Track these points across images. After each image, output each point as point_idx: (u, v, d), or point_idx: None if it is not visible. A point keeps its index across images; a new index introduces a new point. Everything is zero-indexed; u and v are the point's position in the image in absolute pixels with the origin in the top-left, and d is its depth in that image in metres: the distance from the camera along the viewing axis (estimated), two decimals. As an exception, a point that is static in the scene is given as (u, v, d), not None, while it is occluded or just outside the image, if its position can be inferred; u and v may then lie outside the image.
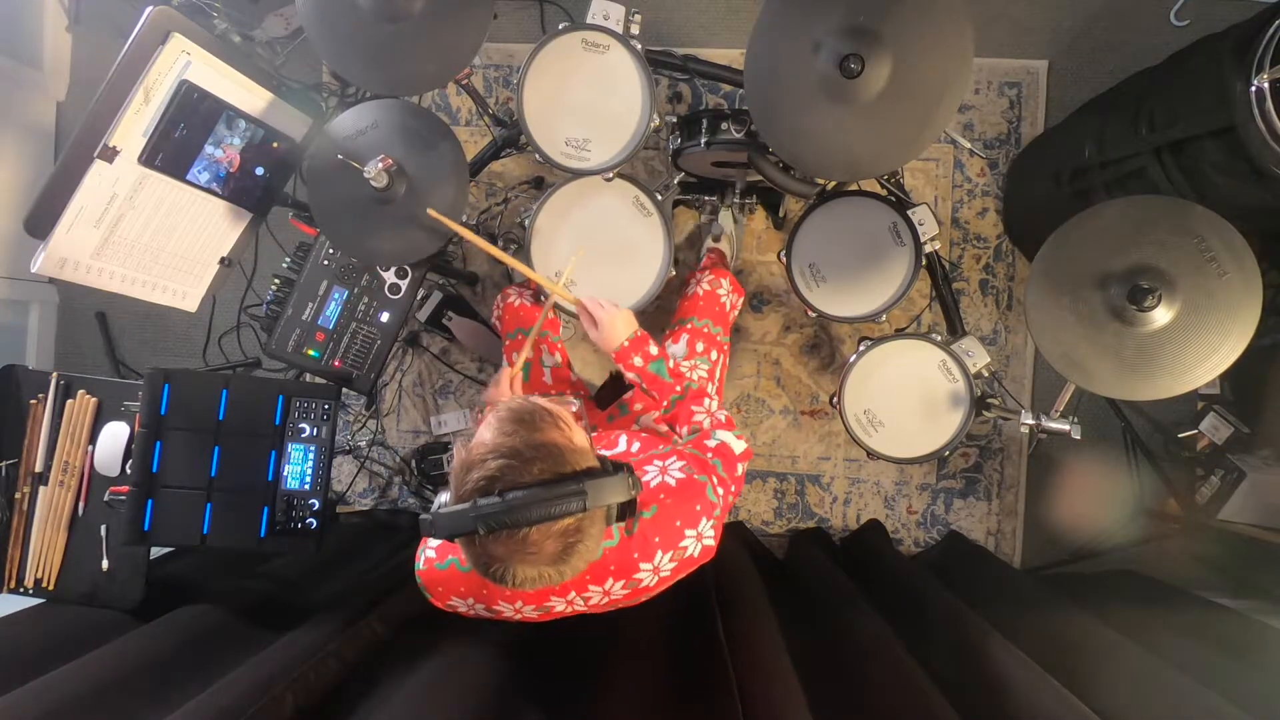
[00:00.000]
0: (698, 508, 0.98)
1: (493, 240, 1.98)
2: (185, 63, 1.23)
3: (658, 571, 0.96)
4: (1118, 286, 1.18)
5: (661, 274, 1.53)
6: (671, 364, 1.28)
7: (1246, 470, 1.75)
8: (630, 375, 1.28)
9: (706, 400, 1.27)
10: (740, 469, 1.14)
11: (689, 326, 1.49)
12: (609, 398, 1.52)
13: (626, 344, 1.25)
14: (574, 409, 0.90)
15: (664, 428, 1.35)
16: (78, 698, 1.08)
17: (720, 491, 1.02)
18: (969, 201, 2.05)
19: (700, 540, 0.98)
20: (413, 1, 1.22)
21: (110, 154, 1.21)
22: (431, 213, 1.26)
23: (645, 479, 1.00)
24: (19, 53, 2.13)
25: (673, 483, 1.00)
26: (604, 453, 1.12)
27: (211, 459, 1.40)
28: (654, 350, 1.27)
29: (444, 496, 0.82)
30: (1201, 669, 1.18)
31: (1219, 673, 1.20)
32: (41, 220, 1.20)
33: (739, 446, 1.18)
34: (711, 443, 1.14)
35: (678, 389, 1.26)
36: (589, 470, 0.81)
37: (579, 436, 0.84)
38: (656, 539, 0.95)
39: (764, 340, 2.09)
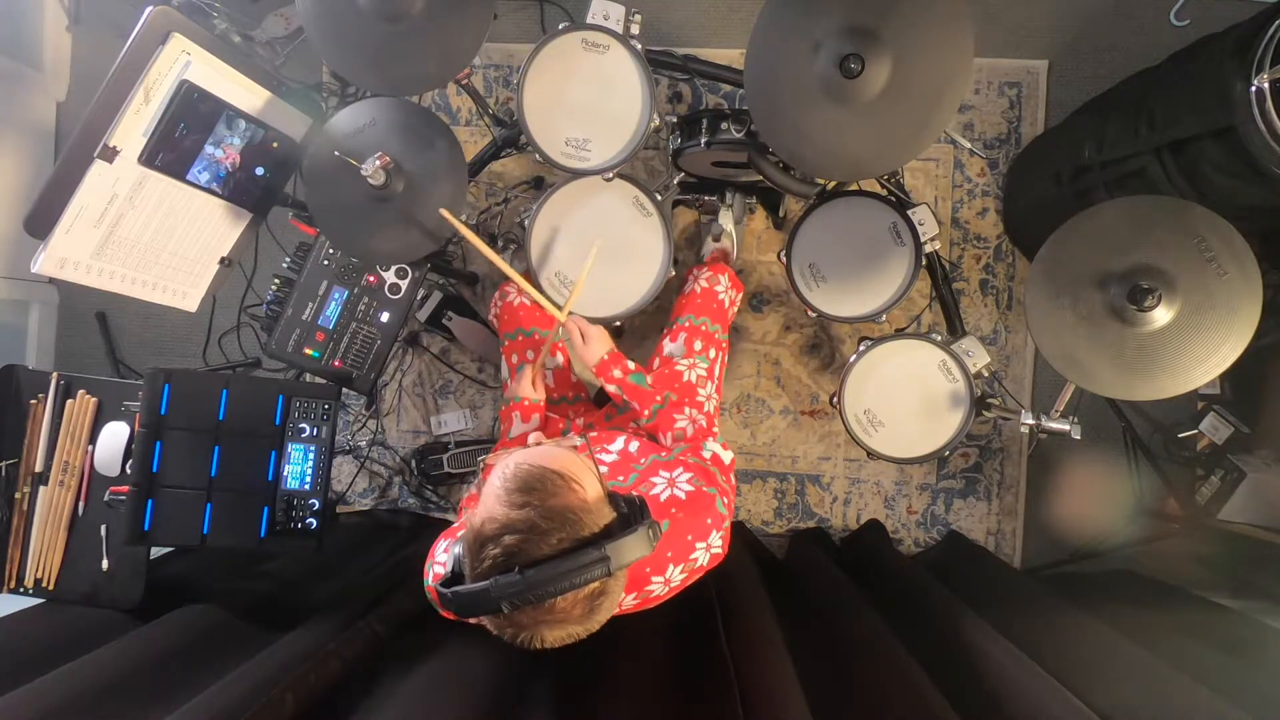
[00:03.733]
0: (708, 521, 0.98)
1: (493, 240, 1.98)
2: (185, 63, 1.23)
3: (668, 583, 0.96)
4: (1118, 286, 1.18)
5: (661, 274, 1.53)
6: (652, 373, 1.31)
7: (1246, 470, 1.75)
8: (611, 388, 1.32)
9: (688, 407, 1.28)
10: (731, 478, 1.15)
11: (686, 324, 1.49)
12: (606, 398, 1.52)
13: (606, 357, 1.31)
14: (577, 444, 0.88)
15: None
16: (78, 698, 1.08)
17: (726, 501, 1.03)
18: (969, 201, 2.05)
19: (709, 550, 0.98)
20: (413, 1, 1.22)
21: (110, 154, 1.21)
22: (444, 213, 1.26)
23: (654, 491, 1.01)
24: (19, 53, 2.13)
25: (682, 496, 1.00)
26: (604, 455, 1.14)
27: (211, 459, 1.40)
28: (630, 365, 1.33)
29: (456, 549, 0.80)
30: (1201, 668, 1.18)
31: (1219, 672, 1.20)
32: (41, 220, 1.20)
33: (727, 457, 1.21)
34: (705, 453, 1.16)
35: (658, 399, 1.28)
36: (608, 530, 0.78)
37: (591, 488, 0.80)
38: (669, 553, 0.95)
39: (764, 340, 2.09)
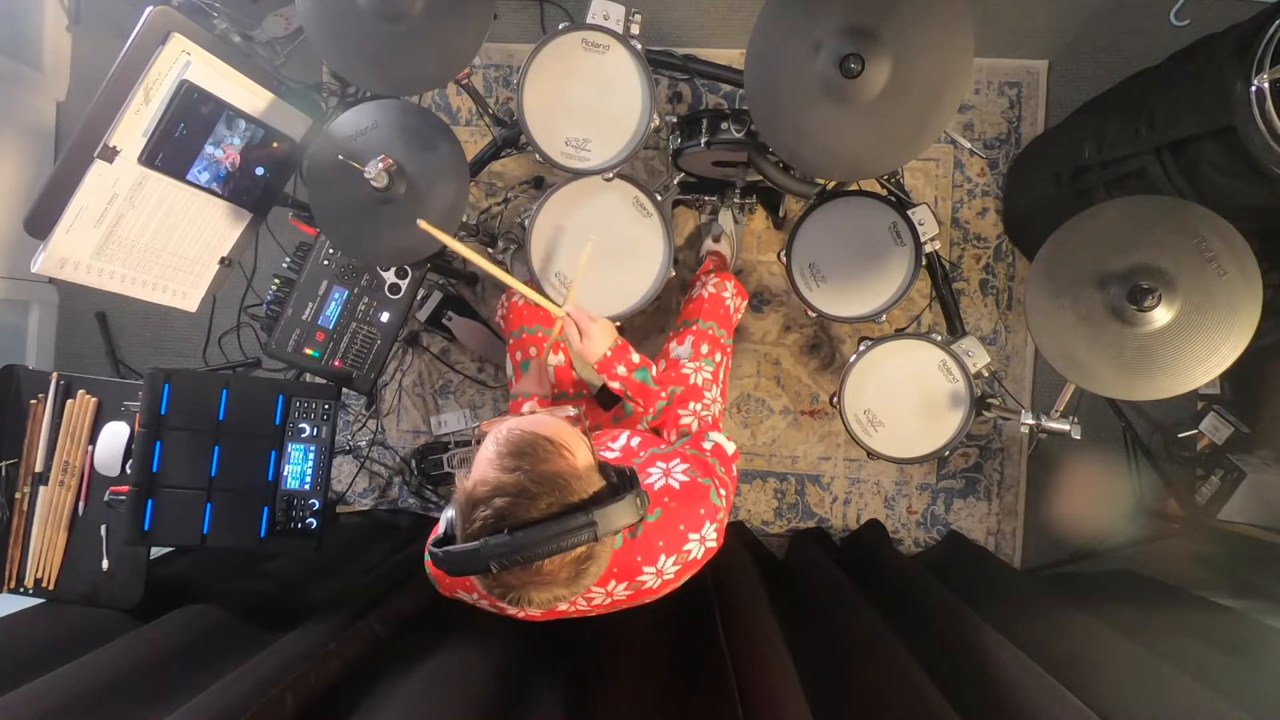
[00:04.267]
0: (701, 511, 0.98)
1: (493, 240, 1.98)
2: (185, 63, 1.23)
3: (660, 574, 0.96)
4: (1118, 286, 1.18)
5: (661, 274, 1.53)
6: (657, 370, 1.29)
7: (1246, 470, 1.75)
8: (615, 385, 1.30)
9: (693, 404, 1.28)
10: (733, 469, 1.14)
11: (694, 329, 1.49)
12: (611, 398, 1.52)
13: (609, 354, 1.27)
14: (570, 415, 0.89)
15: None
16: (78, 698, 1.08)
17: (723, 493, 1.02)
18: (969, 201, 2.05)
19: (704, 543, 0.98)
20: (413, 1, 1.22)
21: (110, 154, 1.21)
22: (422, 224, 1.24)
23: (648, 481, 1.01)
24: (19, 53, 2.13)
25: (676, 486, 1.00)
26: (607, 452, 1.14)
27: (211, 459, 1.40)
28: (635, 359, 1.29)
29: (449, 513, 0.81)
30: (1201, 668, 1.18)
31: (1218, 672, 1.20)
32: (41, 220, 1.20)
33: (730, 448, 1.20)
34: (707, 444, 1.16)
35: (663, 395, 1.28)
36: (596, 497, 0.80)
37: (582, 456, 0.83)
38: (660, 543, 0.95)
39: (764, 340, 2.09)
